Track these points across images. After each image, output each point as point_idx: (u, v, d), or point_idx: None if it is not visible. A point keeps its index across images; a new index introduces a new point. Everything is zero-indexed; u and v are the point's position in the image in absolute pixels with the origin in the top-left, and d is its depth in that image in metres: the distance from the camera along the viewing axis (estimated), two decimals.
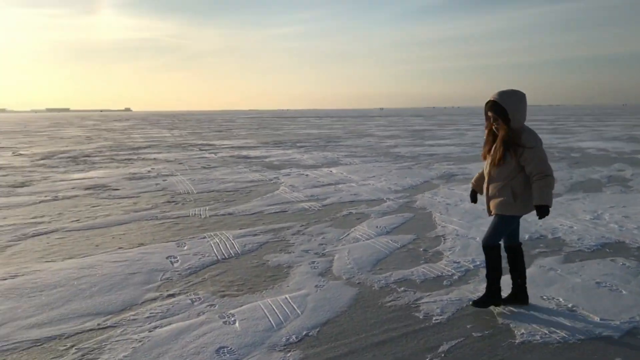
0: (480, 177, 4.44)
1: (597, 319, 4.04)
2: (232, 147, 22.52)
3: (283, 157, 17.91)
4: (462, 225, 7.15)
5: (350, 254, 5.97)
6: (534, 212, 3.98)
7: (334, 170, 13.80)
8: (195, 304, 4.53)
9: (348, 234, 6.87)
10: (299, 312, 4.31)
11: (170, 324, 4.11)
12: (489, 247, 4.19)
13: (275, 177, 12.47)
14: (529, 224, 6.93)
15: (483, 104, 4.14)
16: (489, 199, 4.20)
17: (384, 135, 31.16)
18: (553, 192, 3.94)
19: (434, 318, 4.15)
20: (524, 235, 6.55)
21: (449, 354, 3.57)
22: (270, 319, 4.17)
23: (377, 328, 4.00)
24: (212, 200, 9.53)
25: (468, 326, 3.99)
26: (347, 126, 47.16)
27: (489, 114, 4.05)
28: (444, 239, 6.48)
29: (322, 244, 6.40)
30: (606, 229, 6.80)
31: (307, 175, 12.83)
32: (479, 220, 7.28)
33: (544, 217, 3.91)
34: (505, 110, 3.94)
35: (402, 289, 4.82)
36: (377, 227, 7.22)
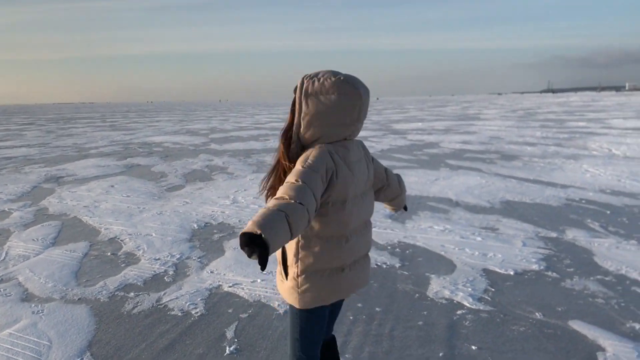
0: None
1: None
2: None
3: None
4: (125, 224, 7.06)
5: (35, 272, 5.24)
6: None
7: None
8: None
9: (7, 252, 5.92)
10: (48, 343, 3.72)
11: None
12: None
13: None
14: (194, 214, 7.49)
15: None
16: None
17: None
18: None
19: (193, 311, 4.24)
20: (192, 225, 7.08)
21: (239, 334, 3.81)
22: None
23: (152, 335, 3.87)
24: None
25: (229, 310, 4.29)
26: None
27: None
28: (122, 241, 6.34)
29: None
30: (251, 210, 7.93)
31: None
32: (134, 219, 7.37)
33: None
34: None
35: (132, 294, 4.67)
36: (34, 240, 6.41)
